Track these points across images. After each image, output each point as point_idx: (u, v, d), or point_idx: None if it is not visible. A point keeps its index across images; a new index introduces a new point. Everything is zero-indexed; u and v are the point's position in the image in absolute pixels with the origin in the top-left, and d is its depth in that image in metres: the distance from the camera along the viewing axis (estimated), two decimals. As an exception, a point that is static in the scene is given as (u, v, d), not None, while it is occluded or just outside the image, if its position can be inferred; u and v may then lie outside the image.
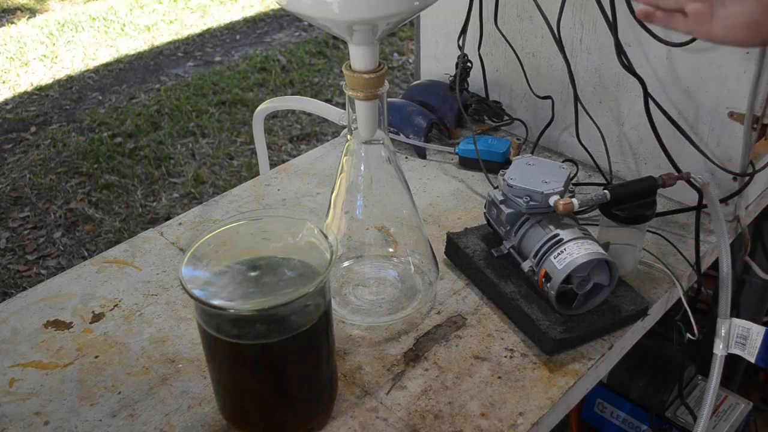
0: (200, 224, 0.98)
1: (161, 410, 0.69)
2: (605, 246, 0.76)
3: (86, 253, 2.26)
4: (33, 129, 3.02)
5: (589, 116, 1.00)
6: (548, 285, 0.74)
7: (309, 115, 2.94)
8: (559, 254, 0.73)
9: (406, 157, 1.13)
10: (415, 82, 1.28)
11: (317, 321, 0.61)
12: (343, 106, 0.90)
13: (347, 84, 0.70)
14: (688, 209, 0.94)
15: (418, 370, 0.73)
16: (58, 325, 0.80)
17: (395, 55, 3.58)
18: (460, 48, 1.12)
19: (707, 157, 0.91)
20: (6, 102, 3.25)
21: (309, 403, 0.65)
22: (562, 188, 0.77)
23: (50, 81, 3.44)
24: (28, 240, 2.35)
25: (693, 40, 0.87)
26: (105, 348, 0.77)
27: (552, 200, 0.76)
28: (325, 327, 0.64)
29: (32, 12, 4.28)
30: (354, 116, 0.73)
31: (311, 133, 2.90)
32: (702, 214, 0.87)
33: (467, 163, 1.08)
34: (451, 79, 1.19)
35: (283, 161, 1.19)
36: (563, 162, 0.98)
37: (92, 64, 3.61)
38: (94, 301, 0.84)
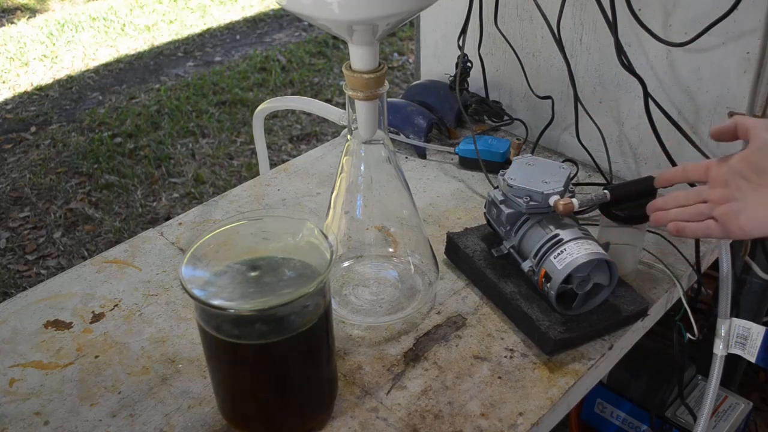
0: (200, 224, 0.98)
1: (161, 410, 0.69)
2: (605, 246, 0.76)
3: (86, 253, 2.25)
4: (33, 129, 3.02)
5: (589, 116, 1.00)
6: (548, 285, 0.74)
7: (309, 115, 2.94)
8: (559, 254, 0.73)
9: (406, 157, 1.13)
10: (415, 82, 1.28)
11: (317, 321, 0.61)
12: (343, 106, 0.90)
13: (347, 84, 0.70)
14: (688, 209, 0.94)
15: (418, 370, 0.73)
16: (58, 325, 0.80)
17: (395, 55, 3.58)
18: (460, 48, 1.12)
19: (707, 157, 0.91)
20: (6, 102, 3.25)
21: (309, 403, 0.65)
22: (562, 188, 0.77)
23: (50, 81, 3.44)
24: (28, 240, 2.35)
25: (693, 39, 0.87)
26: (105, 348, 0.77)
27: (552, 200, 0.76)
28: (325, 327, 0.64)
29: (32, 12, 4.27)
30: (354, 116, 0.73)
31: (311, 133, 2.90)
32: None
33: (467, 163, 1.08)
34: (451, 79, 1.19)
35: (283, 161, 1.19)
36: (563, 162, 0.98)
37: (92, 64, 3.61)
38: (94, 301, 0.84)
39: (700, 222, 0.67)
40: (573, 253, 0.73)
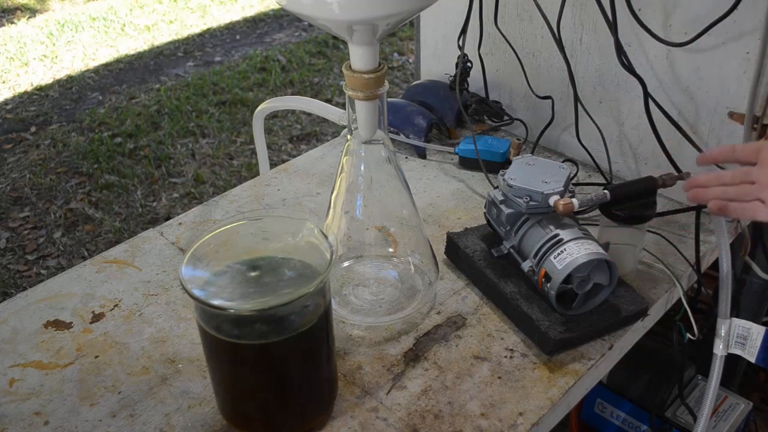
0: (200, 224, 0.98)
1: (161, 410, 0.69)
2: (605, 246, 0.76)
3: (86, 253, 2.25)
4: (33, 129, 3.02)
5: (589, 116, 1.00)
6: (548, 285, 0.74)
7: (309, 115, 2.94)
8: (559, 254, 0.73)
9: (406, 157, 1.13)
10: (415, 82, 1.28)
11: (317, 321, 0.61)
12: (343, 106, 0.90)
13: (347, 84, 0.70)
14: (688, 209, 0.94)
15: (418, 370, 0.73)
16: (58, 325, 0.80)
17: (395, 55, 3.57)
18: (460, 48, 1.12)
19: (707, 157, 0.91)
20: (6, 102, 3.25)
21: (309, 403, 0.65)
22: (562, 188, 0.77)
23: (50, 81, 3.44)
24: (28, 240, 2.35)
25: (693, 39, 0.87)
26: (105, 348, 0.77)
27: (552, 200, 0.76)
28: (325, 327, 0.64)
29: (32, 12, 4.27)
30: (354, 116, 0.73)
31: (311, 133, 2.90)
32: (702, 214, 0.87)
33: (467, 163, 1.08)
34: (451, 79, 1.19)
35: (283, 161, 1.19)
36: (563, 162, 0.98)
37: (92, 64, 3.61)
38: (94, 301, 0.84)
39: (746, 202, 0.64)
40: (573, 253, 0.73)
